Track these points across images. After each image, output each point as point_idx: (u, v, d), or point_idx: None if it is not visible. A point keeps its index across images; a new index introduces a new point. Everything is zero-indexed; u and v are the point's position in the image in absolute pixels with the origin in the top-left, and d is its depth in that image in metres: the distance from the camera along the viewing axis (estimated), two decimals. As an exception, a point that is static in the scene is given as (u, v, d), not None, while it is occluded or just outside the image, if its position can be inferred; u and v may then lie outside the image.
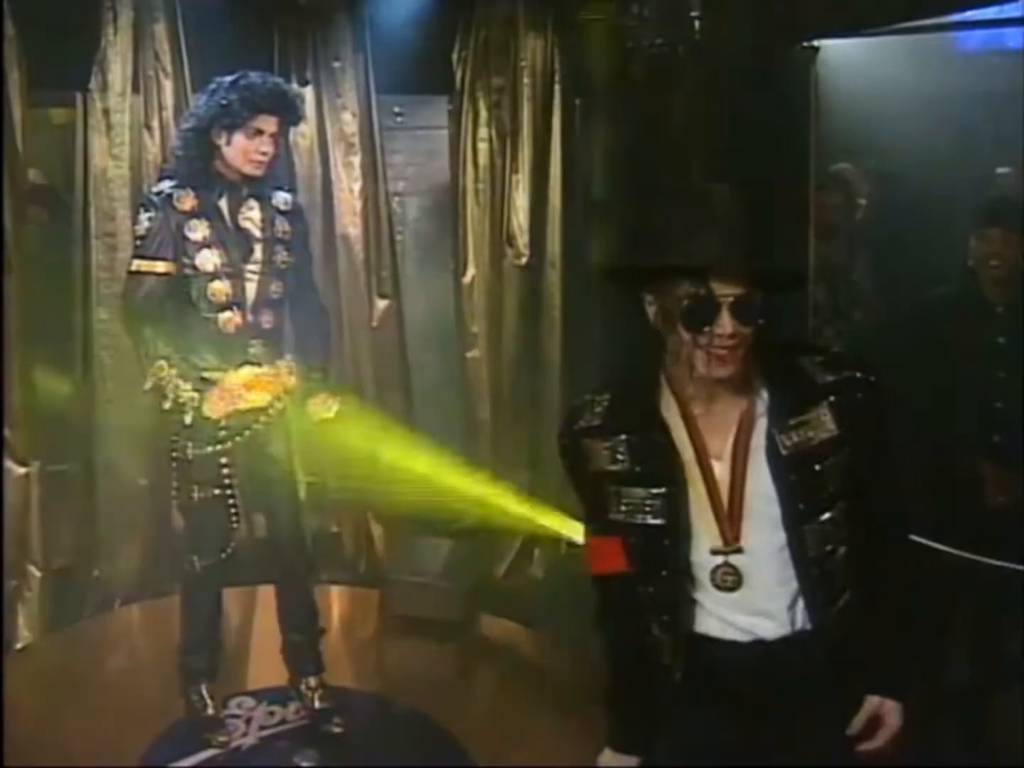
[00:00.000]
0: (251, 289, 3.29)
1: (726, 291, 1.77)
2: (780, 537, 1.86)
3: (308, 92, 4.39)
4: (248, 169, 3.23)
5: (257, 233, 3.31)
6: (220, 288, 3.23)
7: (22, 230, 4.03)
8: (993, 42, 4.06)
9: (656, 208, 1.90)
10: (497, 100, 4.65)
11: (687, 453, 1.88)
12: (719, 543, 1.87)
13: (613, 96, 4.66)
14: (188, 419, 3.21)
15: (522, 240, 4.71)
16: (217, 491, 3.28)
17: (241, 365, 3.28)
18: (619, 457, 1.92)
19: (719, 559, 1.87)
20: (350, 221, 4.61)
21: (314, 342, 3.55)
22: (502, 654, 4.23)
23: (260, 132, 3.19)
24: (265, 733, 3.52)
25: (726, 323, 1.77)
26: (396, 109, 5.00)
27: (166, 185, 3.25)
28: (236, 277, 3.25)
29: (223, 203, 3.27)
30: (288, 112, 3.28)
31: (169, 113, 4.25)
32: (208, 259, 3.22)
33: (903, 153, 4.10)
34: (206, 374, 3.23)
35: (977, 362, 3.33)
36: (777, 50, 4.06)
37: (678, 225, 1.82)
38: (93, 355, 4.30)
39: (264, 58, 4.26)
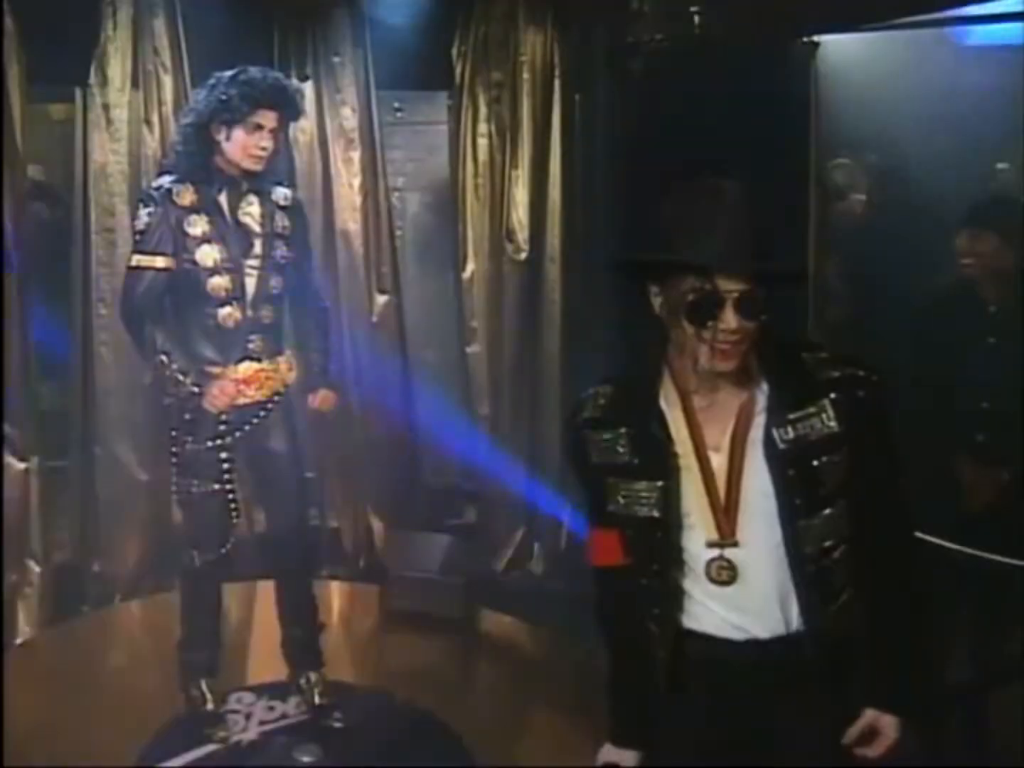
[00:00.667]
0: (251, 284, 3.28)
1: (730, 287, 1.77)
2: (776, 533, 1.86)
3: (308, 87, 4.38)
4: (248, 164, 3.22)
5: (257, 228, 3.30)
6: (220, 283, 3.22)
7: (21, 226, 4.03)
8: (993, 37, 4.05)
9: (663, 202, 1.87)
10: (497, 95, 4.65)
11: (685, 445, 1.88)
12: (715, 536, 1.87)
13: (613, 91, 4.65)
14: (188, 414, 3.22)
15: (522, 235, 4.70)
16: (217, 486, 3.28)
17: (241, 360, 3.27)
18: (619, 449, 1.92)
19: (714, 552, 1.87)
20: (350, 216, 4.61)
21: (314, 337, 3.55)
22: (502, 649, 4.23)
23: (260, 127, 3.18)
24: (265, 728, 3.51)
25: (730, 318, 1.77)
26: (396, 104, 5.01)
27: (166, 180, 3.24)
28: (236, 272, 3.24)
29: (223, 198, 3.26)
30: (288, 107, 3.27)
31: (169, 108, 4.26)
32: (208, 254, 3.21)
33: (903, 148, 4.09)
34: (206, 369, 3.23)
35: (967, 361, 3.32)
36: (777, 45, 4.05)
37: (686, 220, 1.81)
38: (93, 350, 4.31)
39: (264, 53, 4.27)
